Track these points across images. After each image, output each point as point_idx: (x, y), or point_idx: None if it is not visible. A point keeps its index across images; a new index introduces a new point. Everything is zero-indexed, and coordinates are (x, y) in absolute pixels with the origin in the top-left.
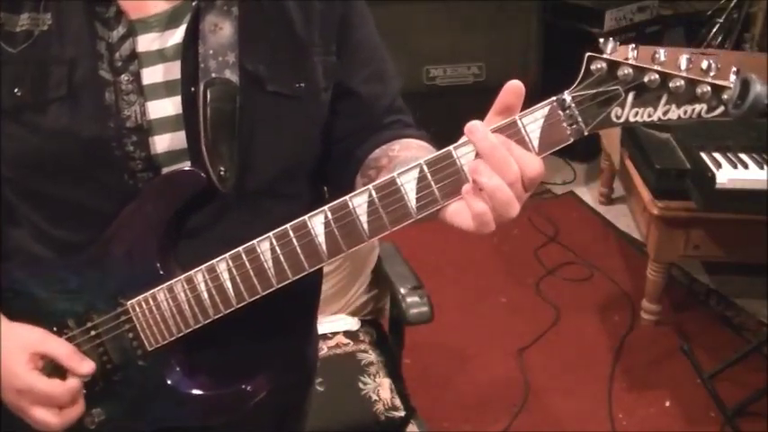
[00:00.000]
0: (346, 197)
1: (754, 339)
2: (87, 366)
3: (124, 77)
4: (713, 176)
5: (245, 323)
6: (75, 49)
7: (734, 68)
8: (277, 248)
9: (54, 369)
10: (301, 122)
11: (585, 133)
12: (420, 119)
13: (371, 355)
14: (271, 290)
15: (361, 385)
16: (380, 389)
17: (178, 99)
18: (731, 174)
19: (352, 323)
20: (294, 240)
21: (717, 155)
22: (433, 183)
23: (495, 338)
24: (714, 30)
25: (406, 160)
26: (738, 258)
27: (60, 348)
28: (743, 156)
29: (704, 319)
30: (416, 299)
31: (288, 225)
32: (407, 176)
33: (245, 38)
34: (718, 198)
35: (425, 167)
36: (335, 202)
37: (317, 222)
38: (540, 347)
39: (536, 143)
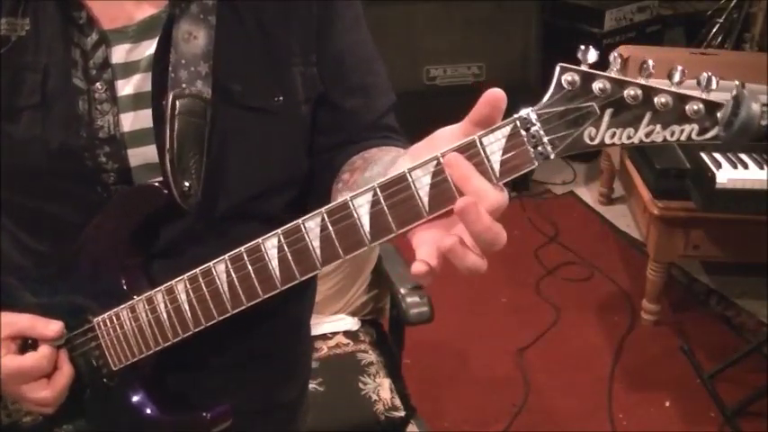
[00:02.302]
0: (299, 220)
1: (754, 339)
2: (53, 328)
3: (98, 86)
4: (713, 176)
5: (217, 347)
6: (49, 55)
7: (736, 82)
8: (232, 271)
9: (28, 344)
10: (279, 138)
11: (552, 157)
12: (420, 119)
13: (371, 355)
14: (226, 315)
15: (361, 385)
16: (380, 389)
17: (150, 112)
18: (731, 174)
19: (352, 323)
20: (248, 264)
21: (717, 155)
22: (386, 209)
23: (495, 338)
24: (714, 30)
25: (376, 160)
26: (738, 258)
27: (21, 321)
28: (743, 156)
29: (704, 319)
30: (416, 299)
31: (242, 247)
32: (361, 200)
33: (221, 48)
34: (718, 198)
35: (379, 191)
36: (289, 225)
37: (270, 245)
38: (540, 347)
39: (497, 167)
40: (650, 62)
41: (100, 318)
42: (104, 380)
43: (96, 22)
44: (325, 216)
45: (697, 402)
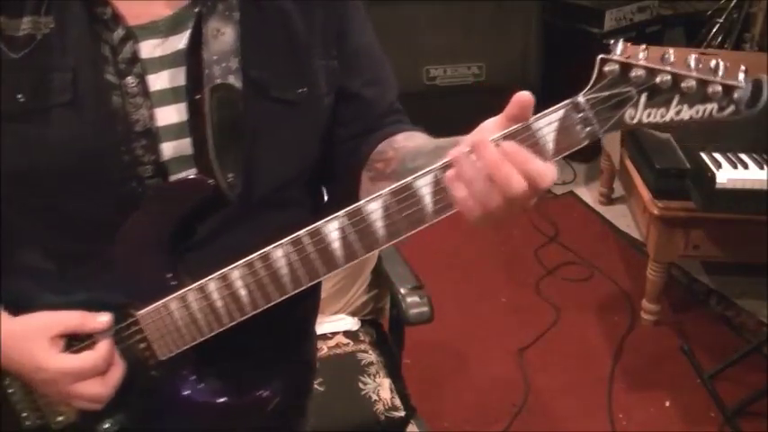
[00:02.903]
0: (360, 202)
1: (754, 339)
2: (103, 320)
3: (130, 80)
4: (713, 176)
5: (252, 330)
6: (78, 52)
7: (742, 67)
8: (292, 255)
9: (75, 340)
10: (303, 128)
11: (600, 135)
12: (420, 119)
13: (371, 355)
14: (285, 296)
15: (361, 385)
16: (380, 389)
17: (183, 106)
18: (731, 174)
19: (352, 323)
20: (309, 247)
21: (717, 155)
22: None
23: (495, 338)
24: (714, 30)
25: (413, 150)
26: (738, 258)
27: (71, 320)
28: (743, 156)
29: (704, 319)
30: (416, 299)
31: (302, 231)
32: (423, 180)
33: (247, 43)
34: (718, 198)
35: (438, 173)
36: (351, 208)
37: (331, 228)
38: (540, 347)
39: (550, 147)
40: (671, 51)
41: (144, 311)
42: (151, 372)
43: (121, 18)
44: (388, 196)
45: (697, 402)
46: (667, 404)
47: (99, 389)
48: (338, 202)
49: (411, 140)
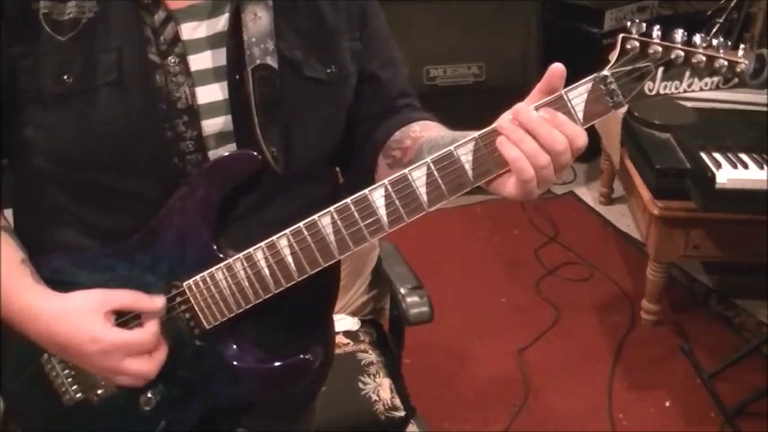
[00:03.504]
0: (405, 170)
1: (754, 339)
2: (158, 301)
3: (171, 60)
4: (713, 176)
5: (286, 300)
6: (122, 35)
7: (742, 45)
8: (338, 222)
9: (127, 318)
10: (333, 106)
11: (624, 105)
12: None
13: (371, 355)
14: (331, 262)
15: (361, 385)
16: (380, 389)
17: (223, 84)
18: (731, 174)
19: (352, 323)
20: (355, 213)
21: (717, 155)
22: (487, 154)
23: (495, 338)
24: (714, 30)
25: (430, 141)
26: (738, 258)
27: (125, 297)
28: (743, 156)
29: (704, 319)
30: (416, 299)
31: (348, 199)
32: (464, 149)
33: (281, 26)
34: (718, 198)
35: (480, 141)
36: (395, 176)
37: (377, 195)
38: (540, 347)
39: (581, 115)
40: (680, 32)
41: (191, 281)
42: (196, 341)
43: (163, 2)
44: (431, 165)
45: (697, 402)
46: (667, 404)
47: (147, 365)
48: (353, 186)
49: (427, 131)
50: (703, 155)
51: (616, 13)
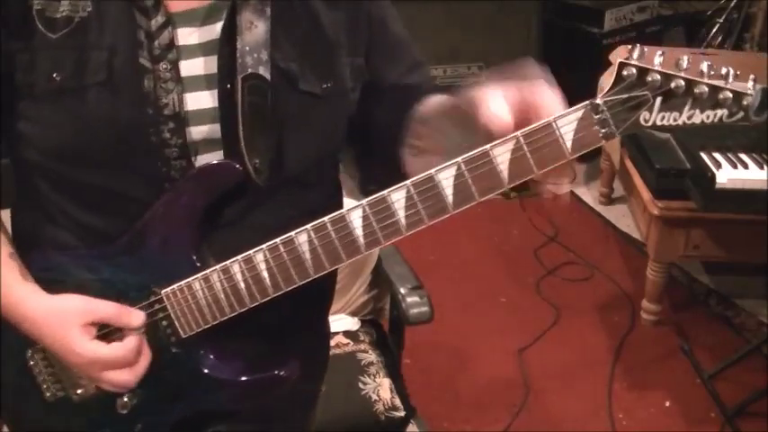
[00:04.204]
0: (384, 192)
1: (754, 339)
2: (137, 318)
3: (162, 66)
4: (713, 176)
5: (271, 311)
6: (114, 36)
7: (752, 76)
8: (315, 240)
9: (111, 329)
10: (327, 120)
11: (617, 136)
12: None
13: (371, 355)
14: (307, 280)
15: (361, 385)
16: (380, 389)
17: (214, 92)
18: (731, 174)
19: (352, 323)
20: (332, 233)
21: (717, 155)
22: (470, 180)
23: (495, 338)
24: (714, 30)
25: (434, 99)
26: (738, 258)
27: (107, 310)
28: (743, 156)
29: (704, 319)
30: (416, 299)
31: (326, 218)
32: (446, 173)
33: (277, 37)
34: (718, 198)
35: (463, 165)
36: (373, 197)
37: (355, 216)
38: (540, 347)
39: (569, 144)
40: (686, 58)
41: (169, 289)
42: (173, 349)
43: (165, 5)
44: (411, 188)
45: (697, 402)
46: (667, 404)
47: (125, 377)
48: (380, 180)
49: (435, 92)
50: (703, 155)
51: (616, 13)
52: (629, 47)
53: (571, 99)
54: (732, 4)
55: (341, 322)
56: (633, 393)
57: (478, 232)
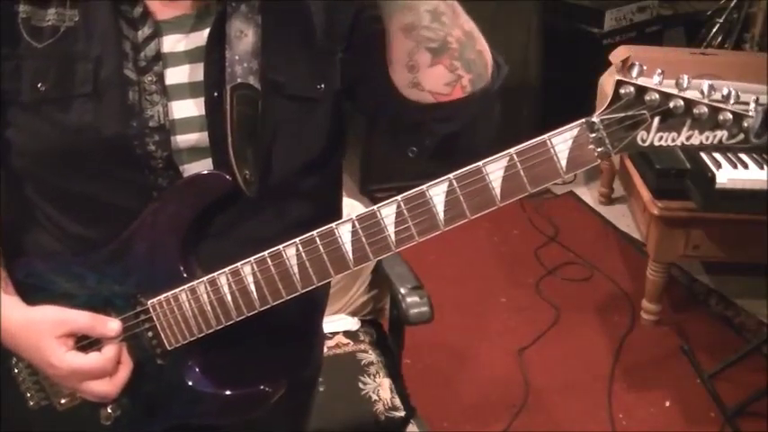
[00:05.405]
0: (374, 207)
1: (754, 339)
2: (113, 328)
3: (148, 78)
4: (713, 176)
5: (260, 324)
6: (101, 46)
7: (754, 97)
8: (303, 254)
9: (91, 340)
10: (320, 121)
11: (612, 155)
12: None
13: (371, 355)
14: (294, 294)
15: (361, 385)
16: (380, 389)
17: (199, 100)
18: (731, 174)
19: (352, 323)
20: (321, 247)
21: (717, 155)
22: (461, 197)
23: (495, 338)
24: (714, 30)
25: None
26: (738, 258)
27: (80, 321)
28: (743, 156)
29: (704, 319)
30: (416, 299)
31: (315, 232)
32: (437, 189)
33: (268, 45)
34: (718, 198)
35: (455, 182)
36: (364, 212)
37: (344, 230)
38: (540, 347)
39: (564, 163)
40: (686, 77)
41: (155, 300)
42: (158, 360)
43: (152, 14)
44: (402, 203)
45: (697, 402)
46: (667, 404)
47: (106, 387)
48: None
49: None
50: (703, 155)
51: (616, 13)
52: (629, 47)
53: (571, 99)
54: (732, 4)
55: (341, 322)
56: (633, 393)
57: (478, 232)
